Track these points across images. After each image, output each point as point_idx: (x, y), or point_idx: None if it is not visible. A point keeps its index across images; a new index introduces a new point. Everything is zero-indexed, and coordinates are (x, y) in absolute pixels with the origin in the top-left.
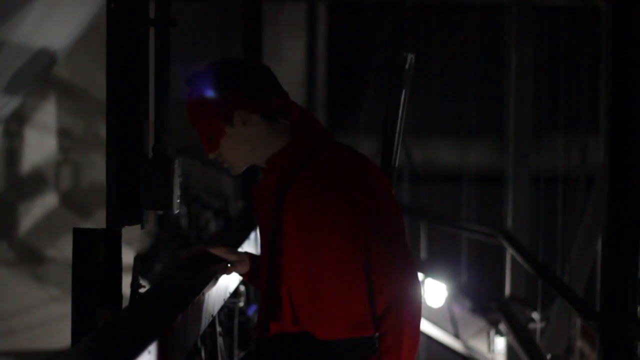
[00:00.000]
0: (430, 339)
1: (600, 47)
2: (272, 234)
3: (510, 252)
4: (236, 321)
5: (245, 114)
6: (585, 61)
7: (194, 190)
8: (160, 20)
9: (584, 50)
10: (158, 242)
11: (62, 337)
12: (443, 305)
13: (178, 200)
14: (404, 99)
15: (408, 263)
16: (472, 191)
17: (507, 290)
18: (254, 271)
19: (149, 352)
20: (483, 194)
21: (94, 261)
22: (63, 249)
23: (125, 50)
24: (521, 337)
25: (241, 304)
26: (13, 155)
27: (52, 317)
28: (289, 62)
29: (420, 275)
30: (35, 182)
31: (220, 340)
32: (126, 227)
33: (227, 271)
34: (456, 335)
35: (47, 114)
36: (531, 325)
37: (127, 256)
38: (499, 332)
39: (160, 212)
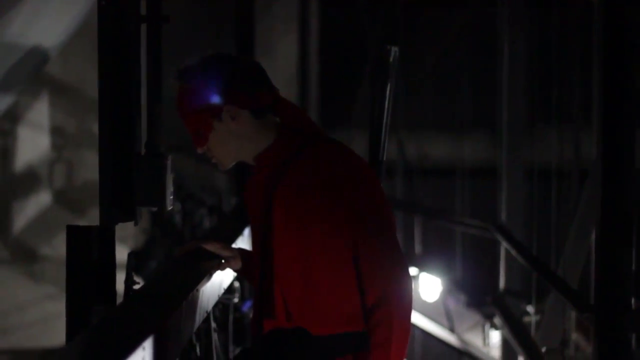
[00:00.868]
0: (425, 333)
1: (593, 39)
2: (263, 232)
3: (504, 245)
4: (231, 317)
5: (234, 110)
6: (578, 54)
7: (187, 187)
8: (152, 16)
9: (576, 43)
10: (152, 239)
11: (57, 334)
12: (438, 300)
13: (171, 197)
14: (390, 91)
15: (397, 258)
16: (466, 185)
17: (502, 283)
18: (247, 267)
19: (144, 349)
20: (477, 187)
21: (87, 258)
22: (57, 247)
23: (116, 48)
24: (516, 331)
25: (236, 300)
26: (6, 153)
27: (47, 315)
28: (281, 57)
29: (414, 270)
30: (29, 181)
31: (215, 336)
32: (120, 224)
33: (221, 267)
34: (451, 329)
35: (40, 112)
36: (526, 319)
37: (121, 253)
38: (493, 326)
39: (154, 209)
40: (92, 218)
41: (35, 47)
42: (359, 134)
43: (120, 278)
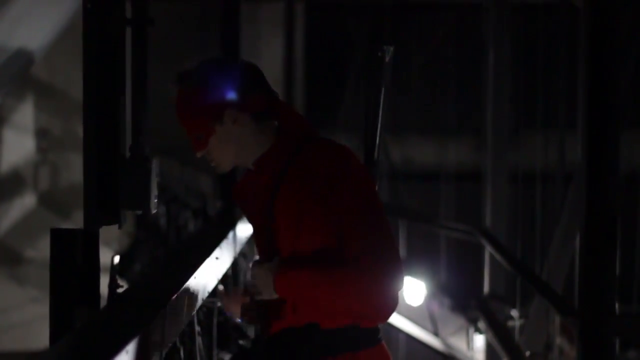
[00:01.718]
0: (409, 337)
1: (578, 45)
2: (268, 234)
3: (488, 249)
4: (215, 321)
5: (235, 113)
6: (563, 59)
7: (172, 190)
8: (137, 19)
9: (561, 48)
10: (137, 242)
11: (41, 337)
12: (422, 304)
13: (156, 200)
14: (385, 91)
15: (394, 257)
16: (451, 189)
17: (486, 288)
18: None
19: (127, 352)
20: (462, 192)
21: (72, 261)
22: (42, 250)
23: (101, 50)
24: (500, 335)
25: (219, 303)
26: None
27: (31, 318)
28: (267, 61)
29: None
30: (14, 183)
31: (199, 339)
32: (104, 227)
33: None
34: (435, 333)
35: (25, 114)
36: (510, 323)
37: (106, 256)
38: (478, 330)
39: (139, 212)
40: (76, 221)
41: (20, 50)
42: (344, 137)
43: (104, 281)
